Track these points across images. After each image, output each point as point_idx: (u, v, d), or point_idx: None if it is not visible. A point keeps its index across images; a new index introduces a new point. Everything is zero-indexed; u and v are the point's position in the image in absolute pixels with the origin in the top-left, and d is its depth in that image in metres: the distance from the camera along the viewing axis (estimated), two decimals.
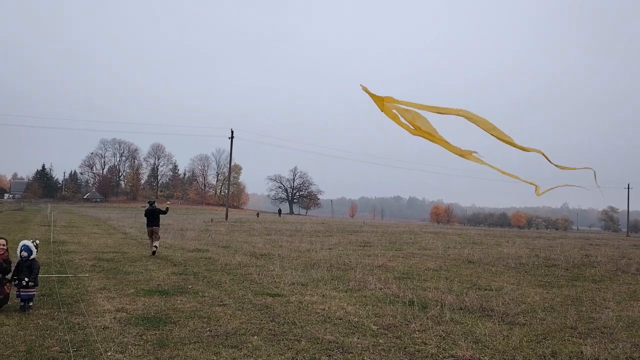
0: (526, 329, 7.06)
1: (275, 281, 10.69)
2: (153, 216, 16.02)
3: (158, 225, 16.03)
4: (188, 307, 7.86)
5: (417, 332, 6.65)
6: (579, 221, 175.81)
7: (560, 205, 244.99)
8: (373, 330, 6.73)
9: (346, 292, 9.69)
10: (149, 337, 6.02)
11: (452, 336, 6.50)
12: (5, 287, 7.17)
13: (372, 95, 4.88)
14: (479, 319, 7.55)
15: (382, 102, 4.89)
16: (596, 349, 6.00)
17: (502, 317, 7.70)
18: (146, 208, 16.66)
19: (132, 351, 5.42)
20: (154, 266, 12.74)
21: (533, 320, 7.58)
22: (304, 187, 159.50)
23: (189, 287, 9.77)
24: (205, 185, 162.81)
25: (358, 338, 6.30)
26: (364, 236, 28.60)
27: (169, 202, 18.90)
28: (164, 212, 16.62)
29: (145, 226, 16.36)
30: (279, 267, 12.79)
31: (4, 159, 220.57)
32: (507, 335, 6.57)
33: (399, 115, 4.90)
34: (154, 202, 17.19)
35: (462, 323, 7.29)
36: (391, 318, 7.45)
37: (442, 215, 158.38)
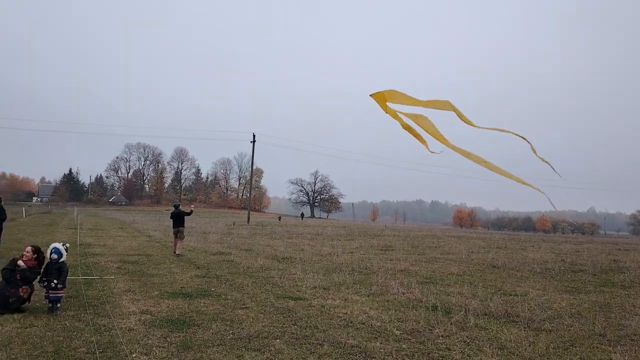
0: (553, 335, 6.91)
1: (297, 285, 10.71)
2: (178, 218, 17.15)
3: (183, 226, 17.17)
4: (211, 309, 7.93)
5: (440, 338, 6.58)
6: (607, 225, 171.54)
7: (587, 209, 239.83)
8: (396, 335, 6.68)
9: (368, 296, 9.65)
10: (173, 339, 6.08)
11: (477, 342, 6.40)
12: (20, 289, 7.31)
13: (376, 97, 4.57)
14: (504, 325, 7.43)
15: (384, 102, 4.58)
16: (626, 357, 5.84)
17: (527, 323, 7.55)
18: (172, 211, 17.69)
19: (156, 353, 5.49)
20: (178, 269, 12.89)
21: (560, 327, 7.42)
22: (325, 191, 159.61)
23: (212, 289, 9.86)
24: (227, 189, 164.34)
25: (381, 343, 6.26)
26: (386, 240, 28.45)
27: (193, 205, 20.06)
28: (188, 214, 17.70)
29: (172, 227, 17.42)
30: (300, 271, 12.80)
31: (32, 163, 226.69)
32: (533, 342, 6.45)
33: (402, 117, 4.63)
34: (179, 205, 18.35)
35: (487, 329, 7.18)
36: (414, 323, 7.39)
37: (466, 219, 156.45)
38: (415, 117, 4.65)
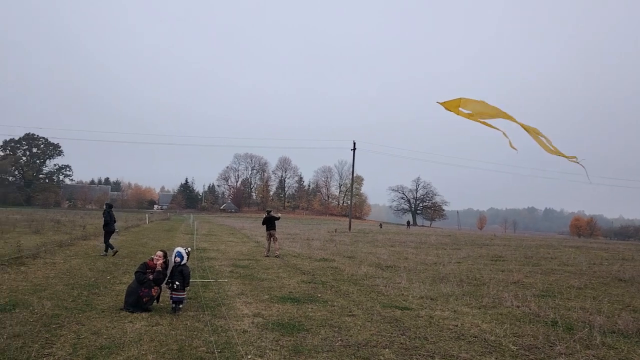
0: None
1: (402, 294, 10.53)
2: (270, 222, 18.94)
3: (274, 229, 18.90)
4: (319, 315, 8.06)
5: (563, 356, 6.09)
6: None
7: None
8: (512, 351, 6.29)
9: (479, 308, 9.21)
10: (284, 342, 6.26)
11: None
12: (153, 290, 7.97)
13: (447, 105, 5.35)
14: (637, 345, 6.69)
15: (457, 108, 5.31)
16: None
17: None
18: (265, 216, 19.47)
19: (270, 356, 5.68)
20: (285, 274, 13.28)
21: None
22: (428, 198, 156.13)
23: (318, 295, 10.02)
24: (328, 196, 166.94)
25: (496, 358, 5.94)
26: (496, 250, 27.05)
27: (280, 214, 21.98)
28: (277, 219, 19.50)
29: (266, 231, 19.15)
30: (405, 280, 12.58)
31: (154, 173, 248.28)
32: None
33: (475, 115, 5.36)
34: (271, 211, 20.16)
35: (616, 348, 6.52)
36: (532, 339, 6.92)
37: (584, 228, 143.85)
38: (487, 112, 5.31)
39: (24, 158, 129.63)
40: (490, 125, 5.42)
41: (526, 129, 5.11)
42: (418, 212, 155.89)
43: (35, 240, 20.04)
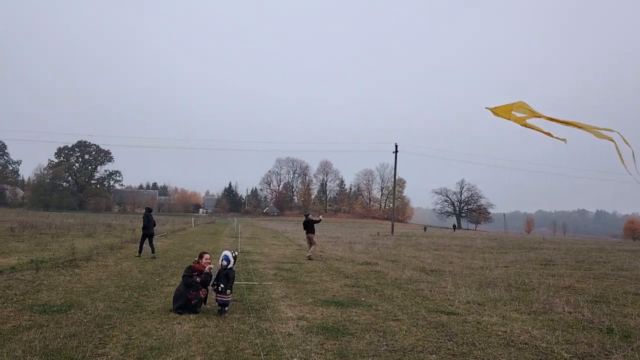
0: None
1: (448, 299, 10.32)
2: (309, 225, 19.22)
3: (313, 233, 19.26)
4: (363, 319, 8.00)
5: None
6: None
7: None
8: (565, 359, 6.05)
9: (529, 314, 8.91)
10: (329, 346, 6.24)
11: None
12: (200, 292, 8.13)
13: (498, 111, 5.52)
14: None
15: (509, 113, 5.46)
16: None
17: None
18: (304, 220, 19.88)
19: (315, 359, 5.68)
20: (328, 277, 13.28)
21: None
22: (473, 201, 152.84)
23: (362, 299, 9.95)
24: (370, 199, 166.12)
25: None
26: (545, 253, 26.15)
27: (321, 216, 21.79)
28: (317, 222, 19.72)
29: (305, 234, 19.63)
30: (451, 284, 12.33)
31: (199, 178, 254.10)
32: None
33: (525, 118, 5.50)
34: (309, 214, 20.67)
35: None
36: (586, 346, 6.62)
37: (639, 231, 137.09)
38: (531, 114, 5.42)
39: (77, 164, 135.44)
40: (541, 130, 5.45)
41: (580, 126, 5.03)
42: (462, 215, 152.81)
43: (88, 243, 20.87)
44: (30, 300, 8.45)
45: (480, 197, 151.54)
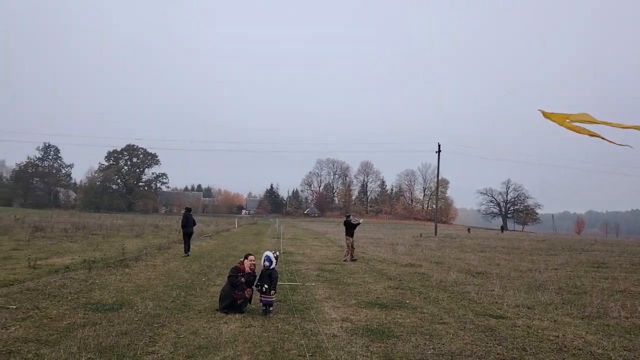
0: None
1: (496, 302, 10.04)
2: (348, 227, 18.70)
3: (352, 236, 18.59)
4: (408, 322, 7.89)
5: None
6: None
7: None
8: None
9: (582, 319, 8.55)
10: (374, 349, 6.19)
11: None
12: (245, 292, 8.23)
13: (551, 116, 5.49)
14: None
15: (563, 120, 5.43)
16: None
17: None
18: (344, 220, 19.35)
19: None
20: (371, 279, 13.18)
21: None
22: (519, 201, 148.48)
23: (407, 302, 9.82)
24: (412, 200, 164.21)
25: None
26: (597, 255, 25.06)
27: (362, 219, 21.04)
28: (357, 224, 19.07)
29: (345, 235, 19.12)
30: (498, 287, 12.00)
31: (242, 180, 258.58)
32: None
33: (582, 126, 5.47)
34: (350, 215, 20.10)
35: None
36: None
37: None
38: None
39: (126, 167, 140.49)
40: (598, 135, 5.39)
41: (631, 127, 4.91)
42: (509, 215, 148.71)
43: (137, 243, 21.54)
44: (83, 299, 8.78)
45: (527, 197, 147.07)
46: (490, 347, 6.48)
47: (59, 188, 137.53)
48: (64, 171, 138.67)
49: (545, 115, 5.51)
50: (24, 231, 25.52)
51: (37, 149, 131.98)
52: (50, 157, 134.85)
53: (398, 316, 8.33)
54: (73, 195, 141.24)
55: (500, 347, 6.49)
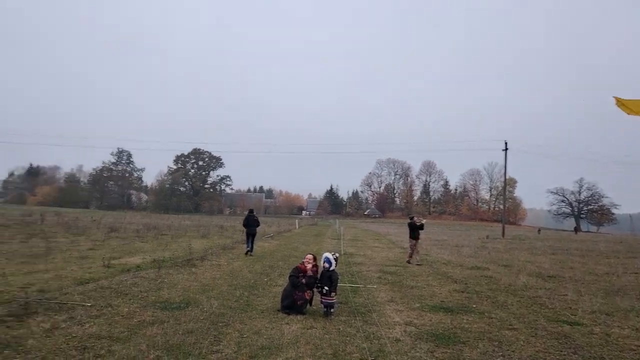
0: None
1: (570, 307, 9.47)
2: (414, 229, 18.17)
3: (416, 238, 18.05)
4: (475, 327, 7.59)
5: None
6: None
7: None
8: None
9: None
10: (439, 354, 5.99)
11: None
12: (306, 293, 8.22)
13: (627, 104, 5.21)
14: None
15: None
16: None
17: None
18: (408, 222, 18.92)
19: None
20: (435, 282, 12.84)
21: None
22: (593, 201, 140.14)
23: (473, 306, 9.47)
24: (477, 201, 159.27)
25: None
26: None
27: (424, 220, 20.31)
28: (421, 228, 18.49)
29: (409, 237, 18.60)
30: (572, 292, 11.33)
31: (302, 181, 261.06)
32: None
33: None
34: (413, 217, 19.43)
35: None
36: None
37: None
38: None
39: (192, 170, 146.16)
40: None
41: None
42: (582, 216, 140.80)
43: (203, 243, 22.25)
44: (153, 297, 9.13)
45: (602, 197, 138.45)
46: (564, 355, 6.10)
47: (131, 191, 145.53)
48: (136, 175, 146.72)
49: (620, 102, 5.08)
50: (100, 232, 27.09)
51: (112, 154, 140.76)
52: (124, 162, 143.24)
53: (464, 321, 8.03)
54: (144, 197, 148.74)
55: (576, 355, 6.09)
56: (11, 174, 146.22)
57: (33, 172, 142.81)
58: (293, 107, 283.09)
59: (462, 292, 11.24)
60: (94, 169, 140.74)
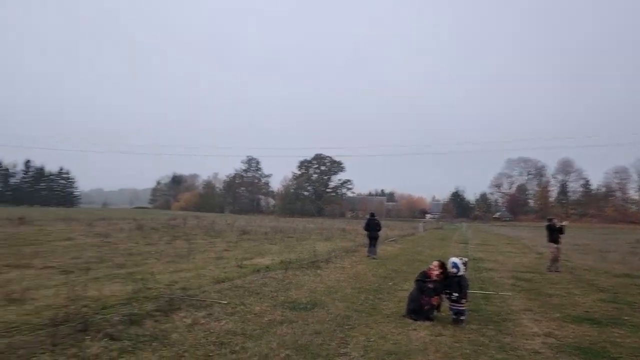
0: None
1: None
2: (553, 232, 16.40)
3: (556, 242, 16.17)
4: (628, 342, 6.73)
5: None
6: None
7: None
8: None
9: None
10: None
11: None
12: (433, 299, 7.90)
13: None
14: None
15: None
16: None
17: None
18: (546, 225, 17.09)
19: None
20: (578, 290, 11.66)
21: None
22: None
23: (625, 318, 8.42)
24: (625, 201, 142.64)
25: None
26: None
27: (565, 222, 18.31)
28: (560, 231, 16.63)
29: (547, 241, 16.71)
30: None
31: (425, 183, 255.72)
32: None
33: None
34: (552, 219, 17.55)
35: None
36: None
37: None
38: None
39: (315, 175, 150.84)
40: None
41: None
42: None
43: (327, 246, 22.72)
44: (282, 297, 9.46)
45: None
46: None
47: (260, 196, 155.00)
48: (263, 180, 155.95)
49: None
50: (233, 234, 29.02)
51: (242, 161, 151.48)
52: (253, 169, 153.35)
53: (615, 334, 7.16)
54: (272, 201, 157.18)
55: None
56: (158, 183, 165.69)
57: (176, 180, 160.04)
58: (418, 109, 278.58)
59: (611, 302, 10.06)
60: (227, 176, 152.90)
